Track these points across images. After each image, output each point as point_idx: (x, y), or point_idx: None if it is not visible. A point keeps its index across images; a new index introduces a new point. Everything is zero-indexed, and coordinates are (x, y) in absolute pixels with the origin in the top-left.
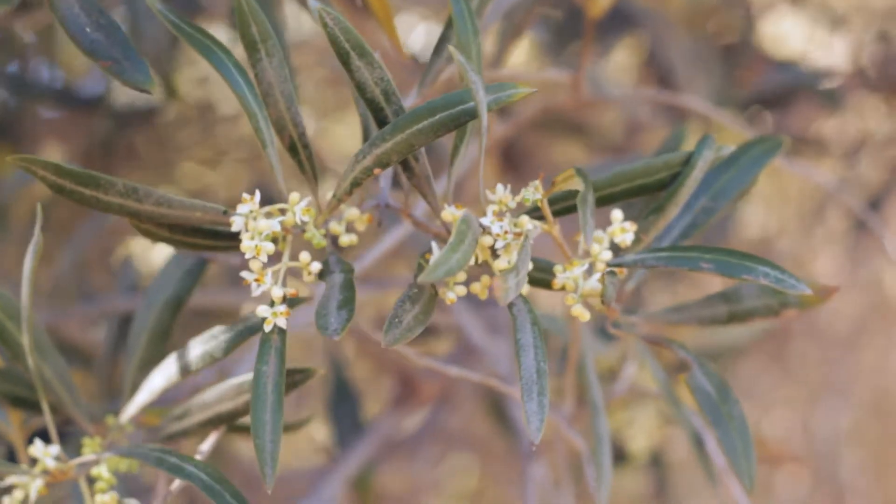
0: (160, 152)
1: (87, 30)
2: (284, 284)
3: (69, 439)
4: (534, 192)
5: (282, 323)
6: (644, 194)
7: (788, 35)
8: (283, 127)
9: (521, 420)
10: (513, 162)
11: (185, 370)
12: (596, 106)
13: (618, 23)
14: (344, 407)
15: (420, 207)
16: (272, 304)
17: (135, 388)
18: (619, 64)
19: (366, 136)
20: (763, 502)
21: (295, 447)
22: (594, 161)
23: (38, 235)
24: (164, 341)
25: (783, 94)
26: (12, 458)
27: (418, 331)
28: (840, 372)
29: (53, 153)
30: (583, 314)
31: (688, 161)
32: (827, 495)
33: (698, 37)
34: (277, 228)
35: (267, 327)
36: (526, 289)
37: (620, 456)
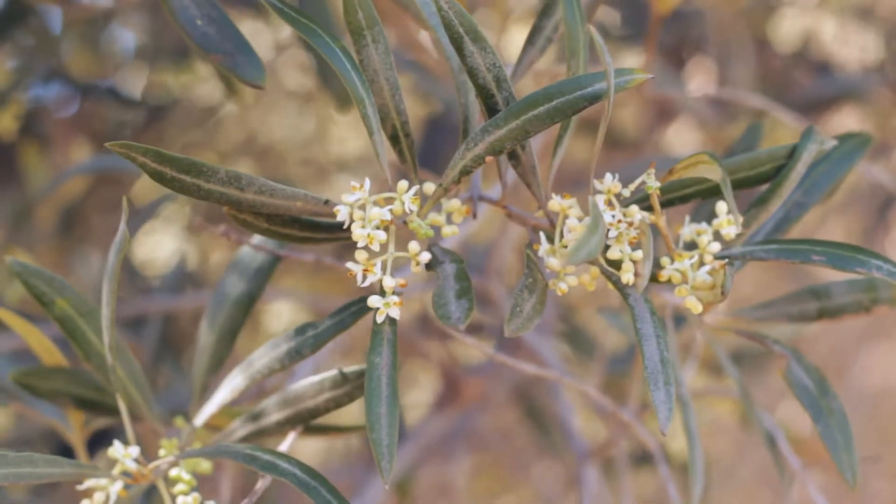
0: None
1: (198, 22)
2: (393, 274)
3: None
4: (652, 181)
5: (394, 313)
6: (745, 188)
7: (813, 28)
8: (386, 115)
9: (569, 421)
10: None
11: (268, 368)
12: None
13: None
14: None
15: (493, 194)
16: (383, 293)
17: (204, 388)
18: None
19: (465, 126)
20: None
21: (316, 447)
22: (610, 158)
23: (125, 229)
24: (234, 341)
25: (826, 100)
26: (69, 457)
27: (537, 320)
28: (852, 369)
29: (81, 149)
30: (696, 306)
31: (792, 154)
32: (842, 496)
33: (747, 37)
34: (388, 217)
35: (379, 318)
36: (629, 278)
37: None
